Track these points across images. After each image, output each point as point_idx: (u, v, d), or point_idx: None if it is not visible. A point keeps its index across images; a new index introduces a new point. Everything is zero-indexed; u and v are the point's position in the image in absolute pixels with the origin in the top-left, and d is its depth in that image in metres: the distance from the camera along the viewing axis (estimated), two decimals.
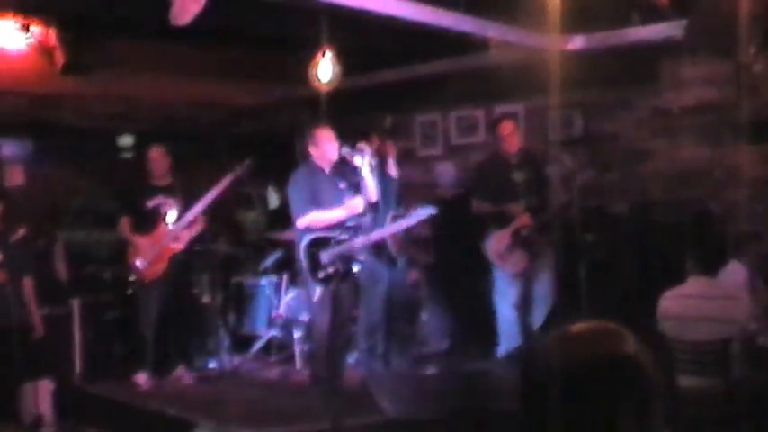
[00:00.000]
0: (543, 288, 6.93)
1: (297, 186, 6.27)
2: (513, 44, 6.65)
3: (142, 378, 6.99)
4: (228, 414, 6.02)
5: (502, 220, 6.95)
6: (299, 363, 7.38)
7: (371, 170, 6.28)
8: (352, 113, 7.73)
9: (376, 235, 6.35)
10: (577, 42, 6.73)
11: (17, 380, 6.25)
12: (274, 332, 7.78)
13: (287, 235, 7.33)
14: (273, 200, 9.46)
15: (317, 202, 6.14)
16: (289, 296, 7.71)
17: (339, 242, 6.12)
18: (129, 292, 7.14)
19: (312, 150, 6.34)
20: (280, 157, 9.16)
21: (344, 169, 6.36)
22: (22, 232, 6.46)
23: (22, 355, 6.12)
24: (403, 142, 8.64)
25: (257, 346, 7.88)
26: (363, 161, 6.14)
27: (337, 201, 6.23)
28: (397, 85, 8.15)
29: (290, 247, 6.90)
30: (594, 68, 6.84)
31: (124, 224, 7.15)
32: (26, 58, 7.29)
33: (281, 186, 8.18)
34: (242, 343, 7.94)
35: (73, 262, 7.75)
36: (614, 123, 7.60)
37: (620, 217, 7.35)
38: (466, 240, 7.54)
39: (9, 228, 6.46)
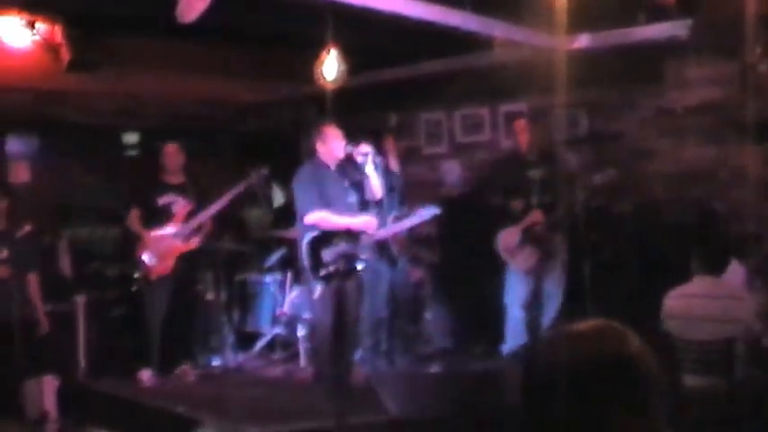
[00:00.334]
0: (553, 286, 6.94)
1: (303, 183, 6.27)
2: (519, 43, 6.65)
3: (146, 375, 7.00)
4: (232, 411, 6.02)
5: (514, 217, 6.97)
6: (302, 360, 7.39)
7: (375, 168, 6.28)
8: (358, 111, 7.74)
9: (380, 234, 6.34)
10: (582, 41, 6.73)
11: (21, 376, 6.27)
12: (278, 330, 7.79)
13: (291, 232, 7.34)
14: (278, 197, 9.47)
15: (324, 199, 6.14)
16: (293, 294, 7.71)
17: (342, 240, 6.12)
18: (134, 288, 7.15)
19: (319, 147, 6.34)
20: (285, 154, 9.16)
21: (348, 167, 6.36)
22: (27, 228, 6.48)
23: (26, 352, 6.13)
24: (408, 140, 8.65)
25: (261, 343, 7.89)
26: (367, 160, 6.14)
27: (343, 198, 6.22)
28: (403, 83, 8.15)
29: (294, 244, 6.91)
30: (599, 68, 6.83)
31: (134, 216, 7.16)
32: (31, 55, 7.28)
33: (286, 184, 8.18)
34: (246, 340, 7.95)
35: (77, 259, 7.77)
36: (619, 123, 7.60)
37: (624, 216, 7.35)
38: (470, 239, 7.54)
39: (15, 224, 6.47)
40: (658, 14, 6.41)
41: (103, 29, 7.37)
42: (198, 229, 7.16)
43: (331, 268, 6.03)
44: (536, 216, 6.88)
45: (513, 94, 8.07)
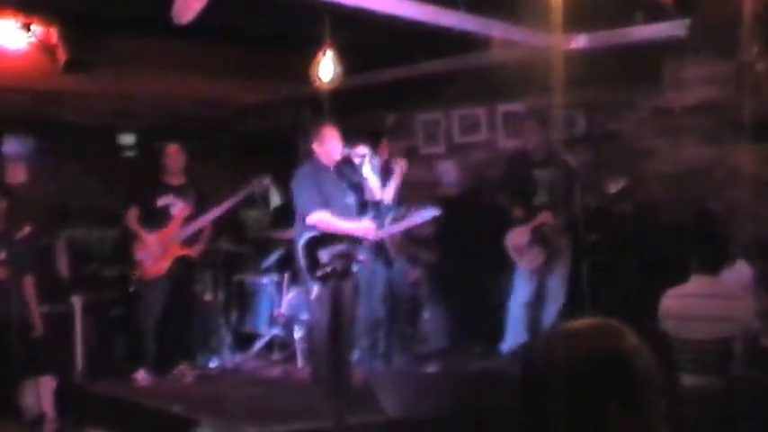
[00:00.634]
0: (557, 286, 6.98)
1: (303, 184, 6.26)
2: (516, 43, 6.65)
3: (141, 375, 7.00)
4: (230, 412, 6.02)
5: (517, 222, 7.00)
6: (300, 361, 7.38)
7: (373, 170, 6.27)
8: (355, 112, 7.72)
9: (378, 235, 6.34)
10: (580, 41, 6.73)
11: (19, 377, 6.26)
12: (276, 331, 7.78)
13: (289, 233, 7.33)
14: (276, 198, 9.46)
15: (323, 199, 6.14)
16: (290, 295, 7.71)
17: (339, 241, 6.12)
18: (131, 289, 7.15)
19: (317, 148, 6.33)
20: (283, 155, 9.15)
21: (346, 168, 6.36)
22: (27, 230, 6.46)
23: (23, 353, 6.13)
24: (405, 141, 8.64)
25: (259, 344, 7.88)
26: (364, 161, 6.13)
27: (341, 199, 6.22)
28: (399, 83, 8.14)
29: (291, 245, 6.90)
30: (597, 68, 6.83)
31: (132, 215, 7.15)
32: (28, 56, 7.27)
33: (284, 185, 8.16)
34: (244, 341, 7.95)
35: (75, 259, 7.76)
36: (616, 123, 7.60)
37: (622, 216, 7.35)
38: (468, 239, 7.55)
39: (13, 225, 6.46)
40: (656, 14, 6.41)
41: (100, 29, 7.36)
42: (198, 234, 7.16)
43: (328, 269, 6.03)
44: (545, 217, 6.92)
45: (510, 94, 8.07)
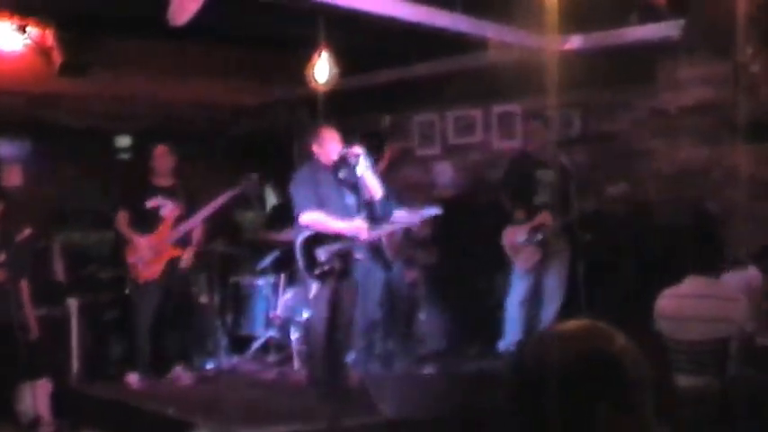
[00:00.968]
0: (555, 286, 6.99)
1: (300, 184, 6.27)
2: (511, 44, 6.66)
3: (133, 378, 6.98)
4: (226, 414, 6.01)
5: (518, 222, 7.02)
6: (296, 363, 7.37)
7: (368, 169, 6.25)
8: (350, 113, 7.73)
9: (376, 233, 6.33)
10: (575, 42, 6.74)
11: (15, 380, 6.25)
12: (272, 333, 7.77)
13: (285, 235, 7.33)
14: (271, 200, 9.46)
15: (319, 200, 6.14)
16: (286, 296, 7.70)
17: (336, 240, 6.12)
18: (126, 291, 7.13)
19: (315, 149, 6.33)
20: (278, 156, 9.16)
21: (343, 169, 6.35)
22: (28, 232, 6.44)
23: (20, 356, 6.11)
24: (401, 142, 8.65)
25: (255, 346, 7.87)
26: (358, 161, 6.12)
27: (339, 200, 6.21)
28: (395, 85, 8.15)
29: (287, 246, 6.89)
30: (592, 68, 6.84)
31: (122, 219, 7.12)
32: (23, 58, 7.27)
33: (280, 186, 8.17)
34: (240, 343, 7.93)
35: (71, 262, 7.75)
36: (612, 123, 7.61)
37: (618, 217, 7.36)
38: (464, 240, 7.55)
39: (12, 227, 6.44)
40: (650, 15, 6.42)
41: (95, 31, 7.37)
42: (188, 235, 7.13)
43: (326, 267, 6.03)
44: (544, 217, 6.93)
45: (505, 95, 8.07)
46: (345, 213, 6.17)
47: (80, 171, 8.41)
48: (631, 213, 7.33)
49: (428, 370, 7.11)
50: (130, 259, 7.01)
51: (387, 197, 6.69)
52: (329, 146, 6.27)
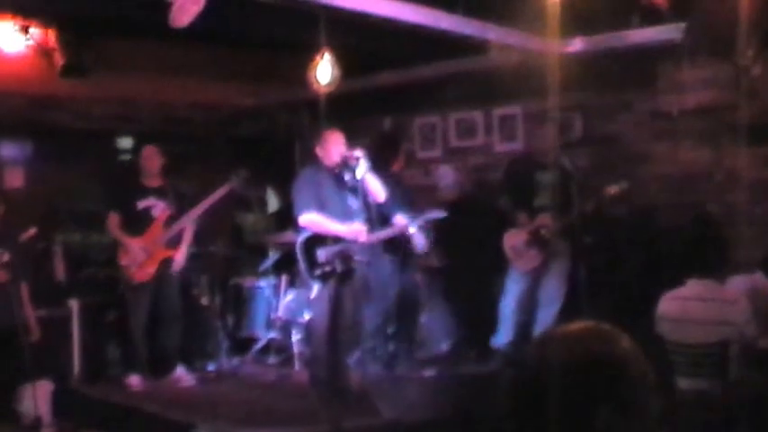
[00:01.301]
0: (554, 289, 6.98)
1: (301, 185, 6.29)
2: (513, 46, 6.66)
3: (135, 380, 6.98)
4: (227, 416, 6.02)
5: (519, 225, 7.03)
6: (297, 365, 7.38)
7: (369, 171, 6.25)
8: (352, 116, 7.72)
9: (375, 236, 6.34)
10: (576, 45, 6.74)
11: (16, 381, 6.25)
12: (273, 334, 7.77)
13: (286, 237, 7.33)
14: (272, 202, 9.46)
15: (319, 202, 6.15)
16: (287, 298, 7.70)
17: (336, 241, 6.12)
18: (120, 293, 7.12)
19: (319, 152, 6.34)
20: (279, 159, 9.16)
21: (346, 172, 6.34)
22: (33, 231, 6.44)
23: (20, 357, 6.11)
24: (402, 144, 8.64)
25: (256, 348, 7.87)
26: (359, 164, 6.12)
27: (341, 203, 6.22)
28: (397, 87, 8.16)
29: (289, 249, 6.90)
30: (594, 71, 6.84)
31: (112, 221, 7.10)
32: (25, 59, 7.28)
33: (281, 188, 8.16)
34: (241, 345, 7.94)
35: (71, 263, 7.74)
36: (614, 126, 7.61)
37: (619, 220, 7.35)
38: (466, 243, 7.54)
39: (14, 229, 6.45)
40: (652, 17, 6.42)
41: (97, 33, 7.37)
42: (179, 235, 7.11)
43: (327, 268, 6.03)
44: (544, 220, 6.93)
45: (507, 97, 8.08)
46: (346, 216, 6.18)
47: (82, 172, 8.40)
48: (633, 216, 7.33)
49: (429, 372, 7.11)
50: (123, 261, 6.99)
51: (397, 199, 6.71)
52: (332, 148, 6.27)
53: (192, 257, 7.35)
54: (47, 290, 7.04)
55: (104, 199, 7.53)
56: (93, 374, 7.19)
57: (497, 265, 7.19)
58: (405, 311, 7.28)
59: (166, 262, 7.07)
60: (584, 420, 1.42)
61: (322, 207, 6.13)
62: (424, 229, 6.86)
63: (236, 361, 7.74)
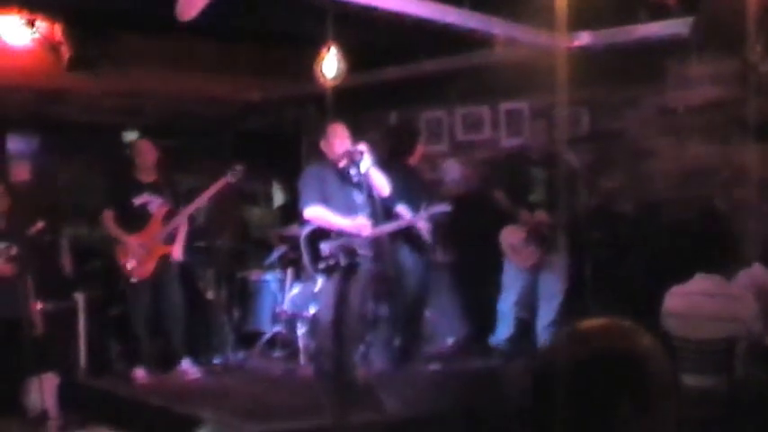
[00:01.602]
0: (553, 285, 6.96)
1: (307, 179, 6.29)
2: (519, 41, 6.65)
3: (140, 374, 6.98)
4: (233, 409, 6.03)
5: (520, 222, 7.02)
6: (303, 358, 7.38)
7: (373, 165, 6.24)
8: (358, 110, 7.72)
9: (379, 230, 6.33)
10: (583, 39, 6.72)
11: (22, 374, 6.27)
12: (279, 328, 7.78)
13: (292, 231, 7.33)
14: (278, 196, 9.47)
15: (323, 196, 6.15)
16: (293, 292, 7.70)
17: (340, 235, 6.12)
18: (122, 289, 7.11)
19: (323, 146, 6.33)
20: (285, 153, 9.16)
21: (351, 166, 6.33)
22: (41, 225, 6.45)
23: (27, 350, 6.13)
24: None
25: (262, 341, 7.88)
26: (363, 158, 6.11)
27: (346, 198, 6.21)
28: (403, 81, 8.14)
29: (294, 242, 6.90)
30: (601, 66, 6.83)
31: (108, 218, 7.05)
32: (32, 53, 7.29)
33: (287, 182, 8.17)
34: (246, 339, 7.94)
35: (78, 257, 7.75)
36: (620, 121, 7.58)
37: (625, 215, 7.34)
38: (471, 238, 7.54)
39: (21, 222, 6.46)
40: (660, 12, 6.40)
41: (104, 26, 7.38)
42: (177, 230, 7.10)
43: (331, 261, 6.04)
44: (541, 216, 6.91)
45: (513, 92, 8.06)
46: (351, 210, 6.17)
47: (88, 166, 8.41)
48: (638, 211, 7.32)
49: (434, 367, 7.12)
50: (122, 259, 6.96)
51: (413, 193, 6.72)
52: (335, 142, 6.26)
53: (198, 251, 7.35)
54: (53, 283, 7.06)
55: (102, 195, 7.49)
56: (100, 368, 7.20)
57: (501, 260, 7.18)
58: (412, 305, 7.28)
59: (165, 258, 7.06)
60: (604, 417, 1.41)
61: (326, 201, 6.13)
62: (429, 222, 6.86)
63: (241, 354, 7.75)
